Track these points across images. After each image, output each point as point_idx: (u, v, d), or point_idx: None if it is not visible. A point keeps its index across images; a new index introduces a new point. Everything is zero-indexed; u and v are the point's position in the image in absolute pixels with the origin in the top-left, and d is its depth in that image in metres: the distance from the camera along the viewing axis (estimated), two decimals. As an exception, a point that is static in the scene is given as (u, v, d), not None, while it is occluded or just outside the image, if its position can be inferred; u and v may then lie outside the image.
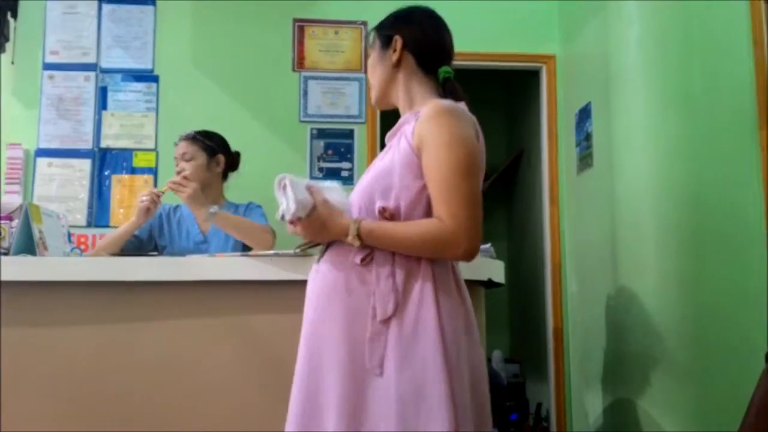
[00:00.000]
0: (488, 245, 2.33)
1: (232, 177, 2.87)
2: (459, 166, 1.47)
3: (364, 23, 3.88)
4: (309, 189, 1.55)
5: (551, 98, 3.94)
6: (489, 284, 2.20)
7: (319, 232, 1.56)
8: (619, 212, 3.08)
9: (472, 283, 1.89)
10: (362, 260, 1.51)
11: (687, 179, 2.67)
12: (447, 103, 1.56)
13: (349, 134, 3.79)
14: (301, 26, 3.86)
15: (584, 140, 3.52)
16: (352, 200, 1.61)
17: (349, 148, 3.78)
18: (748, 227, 2.57)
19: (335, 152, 3.77)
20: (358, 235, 1.49)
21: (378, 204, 1.53)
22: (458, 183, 1.46)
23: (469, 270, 1.79)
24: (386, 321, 1.46)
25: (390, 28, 1.72)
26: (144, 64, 3.76)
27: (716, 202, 2.61)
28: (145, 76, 3.75)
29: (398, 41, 1.68)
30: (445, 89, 1.67)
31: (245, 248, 2.52)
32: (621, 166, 3.07)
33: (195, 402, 1.92)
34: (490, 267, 2.16)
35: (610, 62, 3.20)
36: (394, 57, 1.69)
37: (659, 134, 2.80)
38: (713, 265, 2.56)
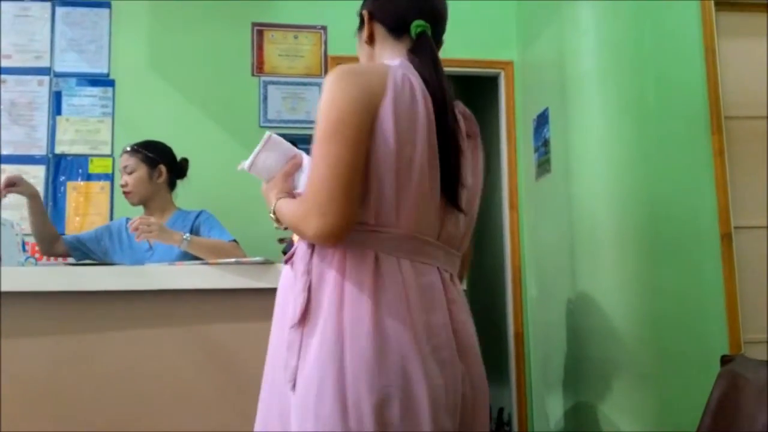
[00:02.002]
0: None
1: (185, 184, 2.83)
2: (323, 131, 1.30)
3: (324, 28, 3.87)
4: (286, 163, 1.55)
5: (509, 104, 3.97)
6: (451, 290, 2.20)
7: (265, 196, 1.52)
8: (576, 218, 3.12)
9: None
10: (288, 259, 1.38)
11: (642, 184, 2.71)
12: (346, 65, 1.36)
13: (310, 140, 3.74)
14: (260, 30, 3.83)
15: (542, 146, 3.56)
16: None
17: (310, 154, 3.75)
18: (703, 231, 2.64)
19: (296, 158, 3.74)
20: (275, 211, 1.43)
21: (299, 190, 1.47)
22: (319, 150, 1.30)
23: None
24: (297, 327, 1.28)
25: (361, 9, 1.60)
26: (99, 68, 3.69)
27: (671, 206, 2.66)
28: (101, 81, 3.68)
29: (365, 16, 1.56)
30: (417, 46, 1.48)
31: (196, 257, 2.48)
32: (578, 172, 3.11)
33: (156, 413, 1.89)
34: (452, 273, 2.17)
35: (567, 68, 3.24)
36: (366, 33, 1.56)
37: (614, 140, 2.84)
38: (670, 268, 2.61)
